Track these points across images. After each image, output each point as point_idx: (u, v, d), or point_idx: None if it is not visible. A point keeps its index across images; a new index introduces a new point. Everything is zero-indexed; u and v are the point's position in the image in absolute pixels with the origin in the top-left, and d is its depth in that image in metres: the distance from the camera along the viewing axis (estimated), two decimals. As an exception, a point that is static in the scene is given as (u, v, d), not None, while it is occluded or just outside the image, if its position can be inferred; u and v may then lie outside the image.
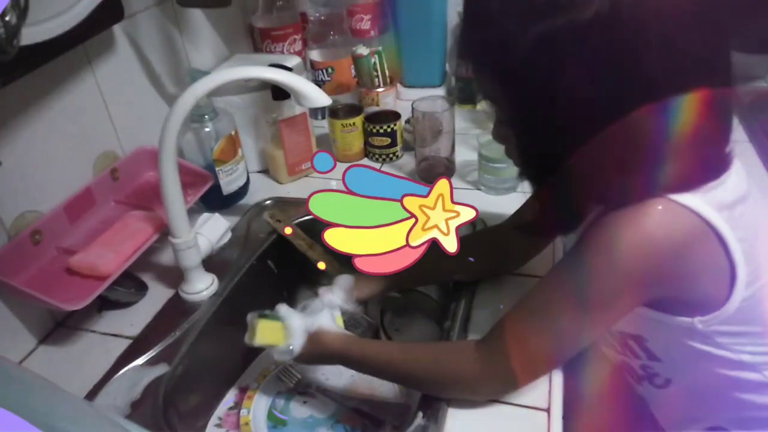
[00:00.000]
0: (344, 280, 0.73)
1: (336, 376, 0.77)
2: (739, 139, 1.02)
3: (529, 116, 0.50)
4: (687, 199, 0.48)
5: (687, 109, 0.45)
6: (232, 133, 0.92)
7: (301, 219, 0.92)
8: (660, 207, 0.48)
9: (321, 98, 0.68)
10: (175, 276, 0.78)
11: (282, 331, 0.65)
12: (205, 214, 0.81)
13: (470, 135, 1.07)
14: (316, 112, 1.16)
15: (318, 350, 0.64)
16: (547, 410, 0.59)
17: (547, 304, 0.54)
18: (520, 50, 0.46)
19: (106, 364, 0.67)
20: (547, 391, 0.60)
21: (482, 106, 1.23)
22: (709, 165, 0.50)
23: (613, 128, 0.45)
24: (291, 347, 0.64)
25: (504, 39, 0.47)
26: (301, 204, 0.96)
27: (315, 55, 1.24)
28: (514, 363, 0.55)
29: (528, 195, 0.60)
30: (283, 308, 0.66)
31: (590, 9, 0.42)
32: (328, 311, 0.68)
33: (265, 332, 0.64)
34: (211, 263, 0.79)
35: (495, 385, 0.58)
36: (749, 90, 1.17)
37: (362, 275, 0.77)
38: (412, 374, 0.61)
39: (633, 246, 0.48)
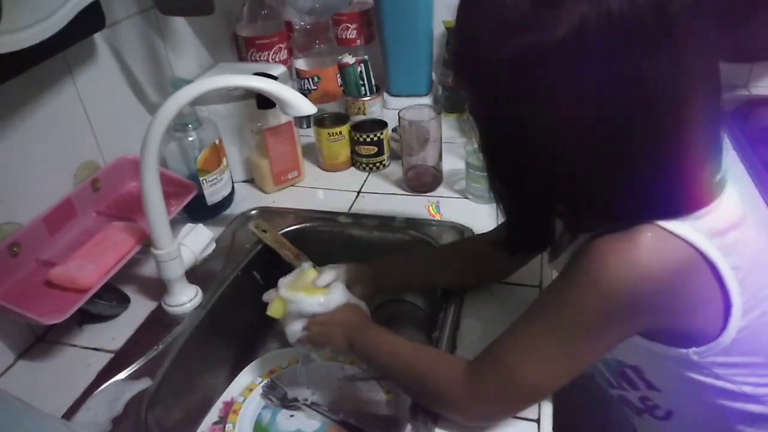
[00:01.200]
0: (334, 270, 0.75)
1: (323, 389, 0.76)
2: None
3: (500, 130, 0.50)
4: (676, 226, 0.47)
5: (673, 134, 0.45)
6: (216, 142, 0.91)
7: (288, 229, 0.91)
8: (649, 234, 0.46)
9: (306, 107, 0.67)
10: (157, 288, 0.77)
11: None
12: (189, 225, 0.80)
13: (457, 144, 1.07)
14: (302, 121, 1.16)
15: (347, 316, 0.66)
16: (537, 421, 0.58)
17: (536, 333, 0.52)
18: (492, 65, 0.46)
19: (87, 378, 0.66)
20: (537, 409, 0.59)
21: (468, 115, 1.24)
22: (698, 192, 0.48)
23: (592, 152, 0.45)
24: (328, 302, 0.67)
25: (479, 52, 0.47)
26: (286, 214, 0.95)
27: (300, 63, 1.24)
28: (501, 390, 0.54)
29: None
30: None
31: (558, 31, 0.41)
32: (339, 290, 0.69)
33: (310, 272, 0.70)
34: (194, 275, 0.78)
35: (481, 411, 0.57)
36: (731, 98, 1.19)
37: (350, 274, 0.78)
38: (412, 381, 0.61)
39: (622, 276, 0.46)
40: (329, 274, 0.71)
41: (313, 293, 0.68)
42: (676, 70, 0.43)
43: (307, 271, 0.72)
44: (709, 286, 0.48)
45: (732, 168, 0.59)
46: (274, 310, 0.69)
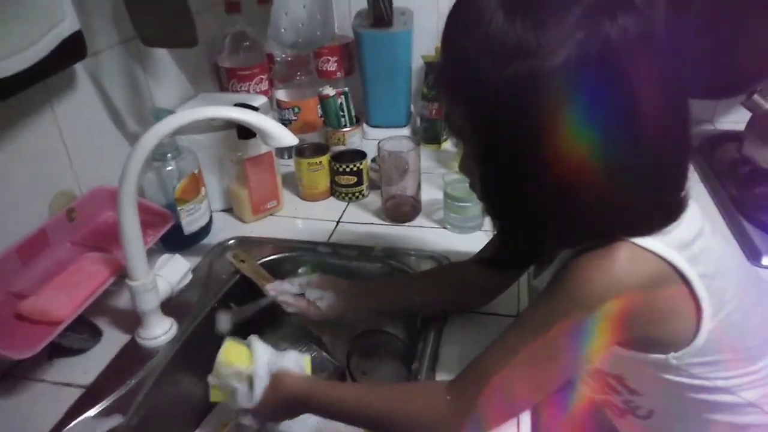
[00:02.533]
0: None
1: (299, 424, 0.74)
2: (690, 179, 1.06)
3: (491, 153, 0.51)
4: (649, 243, 0.50)
5: (645, 157, 0.47)
6: (195, 171, 0.91)
7: (266, 259, 0.91)
8: (625, 251, 0.50)
9: (287, 138, 0.68)
10: (132, 320, 0.75)
11: (247, 354, 0.64)
12: (165, 255, 0.79)
13: (435, 174, 1.08)
14: (283, 151, 1.16)
15: (280, 395, 0.62)
16: (517, 425, 0.58)
17: (519, 347, 0.54)
18: (487, 90, 0.47)
19: (57, 415, 0.64)
20: (516, 422, 0.60)
21: (447, 145, 1.26)
22: (668, 210, 0.52)
23: (575, 174, 0.46)
24: (253, 391, 0.62)
25: (474, 77, 0.48)
26: (265, 243, 0.95)
27: (281, 94, 1.25)
28: (485, 406, 0.54)
29: (492, 234, 0.61)
30: (254, 338, 0.66)
31: (557, 57, 0.43)
32: (294, 354, 0.66)
33: (230, 351, 0.64)
34: (170, 306, 0.77)
35: (464, 427, 0.57)
36: (697, 133, 1.23)
37: (326, 288, 0.78)
38: (381, 417, 0.60)
39: (603, 289, 0.49)
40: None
41: (239, 378, 0.63)
42: (660, 94, 0.46)
43: (226, 345, 0.66)
44: (681, 295, 0.52)
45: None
46: (214, 396, 0.66)
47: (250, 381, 0.63)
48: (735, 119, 1.24)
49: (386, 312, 0.86)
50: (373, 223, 1.00)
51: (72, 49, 0.77)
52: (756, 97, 0.98)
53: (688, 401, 0.59)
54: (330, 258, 0.91)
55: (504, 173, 0.51)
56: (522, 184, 0.50)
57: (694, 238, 0.53)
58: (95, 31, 0.85)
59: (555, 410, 0.68)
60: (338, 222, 1.01)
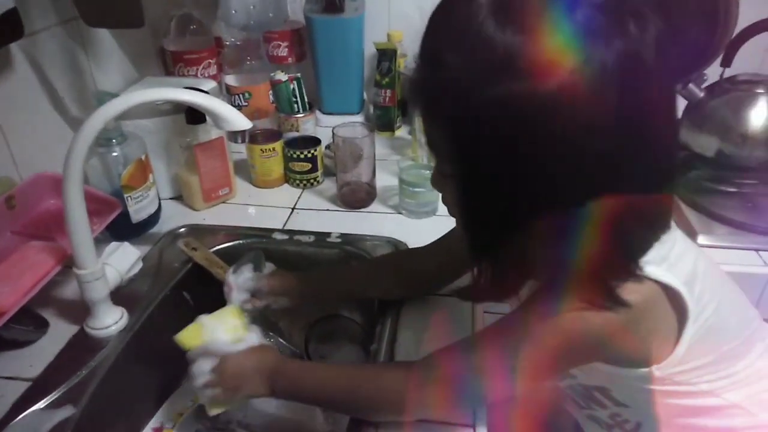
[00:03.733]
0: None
1: (257, 411, 0.74)
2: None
3: (470, 174, 0.47)
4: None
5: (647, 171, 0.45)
6: (143, 157, 0.88)
7: (220, 246, 0.89)
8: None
9: (241, 121, 0.67)
10: (80, 311, 0.72)
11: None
12: (113, 243, 0.76)
13: (389, 161, 1.09)
14: (236, 136, 1.14)
15: (256, 358, 0.63)
16: (473, 426, 0.60)
17: (494, 349, 0.54)
18: (471, 108, 0.43)
19: (1, 410, 0.61)
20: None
21: (401, 132, 1.27)
22: (650, 236, 0.50)
23: (569, 207, 0.44)
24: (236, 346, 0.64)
25: (457, 94, 0.43)
26: (218, 231, 0.93)
27: (231, 80, 1.22)
28: (449, 396, 0.55)
29: (451, 221, 0.59)
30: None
31: (552, 81, 0.39)
32: (256, 333, 0.68)
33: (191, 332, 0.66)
34: (120, 296, 0.74)
35: (424, 409, 0.58)
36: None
37: (278, 292, 0.78)
38: (350, 398, 0.60)
39: (586, 320, 0.48)
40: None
41: (232, 331, 0.67)
42: (658, 107, 0.44)
43: (231, 307, 0.69)
44: (667, 309, 0.51)
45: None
46: (187, 337, 0.66)
47: (238, 340, 0.65)
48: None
49: (342, 301, 0.87)
50: (328, 210, 1.00)
51: (6, 29, 0.72)
52: (691, 86, 1.03)
53: (675, 408, 0.58)
54: (286, 245, 0.90)
55: (481, 198, 0.48)
56: (501, 210, 0.47)
57: (670, 247, 0.51)
58: (32, 10, 0.81)
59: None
60: (293, 209, 1.00)
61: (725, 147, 0.98)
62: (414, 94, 0.50)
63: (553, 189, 0.44)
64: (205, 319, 0.67)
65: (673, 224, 0.52)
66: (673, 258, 0.51)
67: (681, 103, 1.09)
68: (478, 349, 0.55)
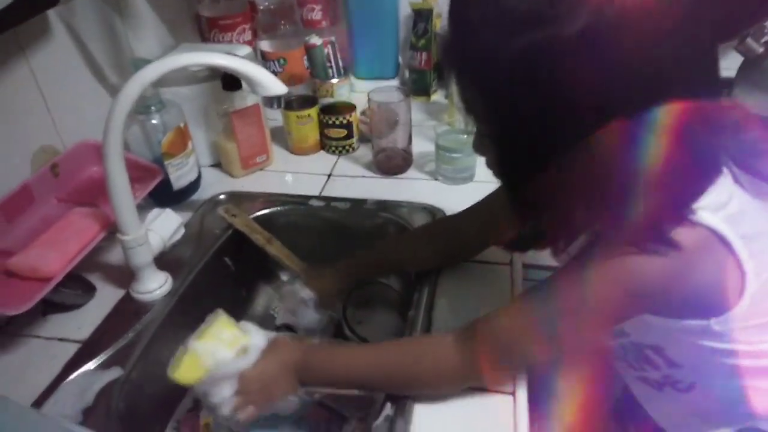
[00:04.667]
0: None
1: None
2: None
3: (509, 131, 0.48)
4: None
5: (675, 126, 0.43)
6: (181, 125, 0.88)
7: (258, 213, 0.90)
8: None
9: (276, 86, 0.65)
10: (125, 276, 0.74)
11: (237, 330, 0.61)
12: (156, 210, 0.77)
13: (425, 126, 1.07)
14: (272, 102, 1.14)
15: (277, 358, 0.59)
16: (513, 393, 0.59)
17: (543, 308, 0.53)
18: (501, 63, 0.43)
19: (54, 370, 0.63)
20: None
21: (437, 96, 1.24)
22: (703, 179, 0.49)
23: (608, 147, 0.43)
24: (247, 357, 0.58)
25: (485, 50, 0.44)
26: (256, 198, 0.93)
27: (266, 45, 1.21)
28: (494, 359, 0.55)
29: (489, 186, 0.58)
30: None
31: (574, 25, 0.40)
32: (256, 332, 0.62)
33: (226, 322, 0.60)
34: (163, 261, 0.76)
35: (473, 378, 0.58)
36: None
37: (320, 275, 0.78)
38: (393, 376, 0.60)
39: (643, 263, 0.48)
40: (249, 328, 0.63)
41: (232, 344, 0.59)
42: (685, 52, 0.43)
43: (218, 318, 0.60)
44: (723, 260, 0.49)
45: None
46: (184, 372, 0.57)
47: (244, 351, 0.59)
48: (727, 65, 1.23)
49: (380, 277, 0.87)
50: (364, 176, 0.99)
51: (43, -5, 0.73)
52: (749, 40, 0.97)
53: (729, 369, 0.57)
54: (322, 212, 0.90)
55: (524, 154, 0.48)
56: (545, 164, 0.47)
57: (728, 198, 0.50)
58: (68, -23, 0.81)
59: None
60: (329, 176, 0.99)
61: (786, 107, 0.92)
62: (445, 56, 0.51)
63: (582, 130, 0.43)
64: (197, 345, 0.58)
65: (730, 178, 0.51)
66: (733, 209, 0.50)
67: (737, 60, 1.03)
68: (535, 306, 0.54)
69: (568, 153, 0.45)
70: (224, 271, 0.85)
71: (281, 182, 0.99)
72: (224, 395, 0.57)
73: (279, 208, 0.91)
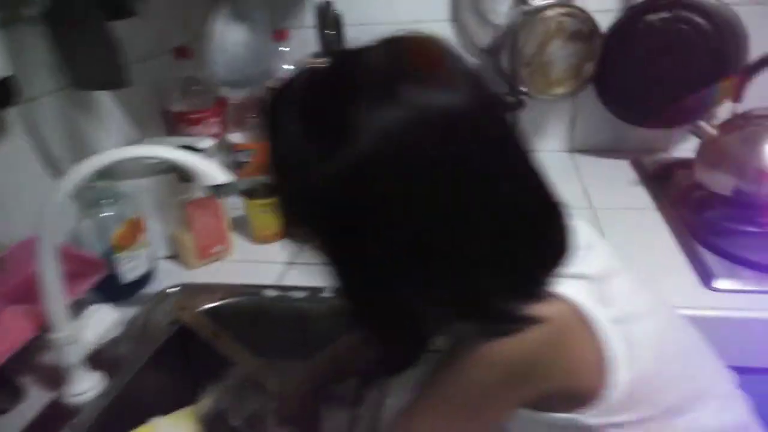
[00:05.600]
0: None
1: None
2: (647, 207, 1.05)
3: (345, 261, 0.50)
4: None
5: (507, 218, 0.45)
6: (134, 217, 0.87)
7: (210, 305, 0.87)
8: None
9: (218, 175, 0.65)
10: (58, 377, 0.70)
11: None
12: (94, 306, 0.74)
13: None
14: (218, 192, 1.13)
15: None
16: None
17: (431, 407, 0.51)
18: (314, 196, 0.46)
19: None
20: None
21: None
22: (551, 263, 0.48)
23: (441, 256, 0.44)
24: None
25: (299, 189, 0.47)
26: (211, 290, 0.90)
27: (236, 137, 1.23)
28: None
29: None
30: None
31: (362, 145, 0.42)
32: None
33: None
34: (101, 360, 0.72)
35: None
36: (653, 161, 1.23)
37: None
38: None
39: (509, 344, 0.46)
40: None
41: None
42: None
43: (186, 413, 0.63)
44: (585, 330, 0.47)
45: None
46: None
47: None
48: (690, 147, 1.25)
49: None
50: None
51: (2, 94, 0.74)
52: (701, 123, 0.98)
53: None
54: (278, 301, 0.87)
55: (364, 279, 0.49)
56: (385, 281, 0.47)
57: (603, 277, 0.49)
58: (33, 77, 0.83)
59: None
60: (291, 264, 0.97)
61: (743, 184, 0.91)
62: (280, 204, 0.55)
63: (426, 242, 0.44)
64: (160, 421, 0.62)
65: (608, 255, 0.53)
66: (606, 290, 0.49)
67: (694, 142, 1.04)
68: (423, 408, 0.52)
69: (407, 266, 0.45)
70: (171, 368, 0.81)
71: (239, 272, 0.96)
72: None
73: (231, 300, 0.88)
